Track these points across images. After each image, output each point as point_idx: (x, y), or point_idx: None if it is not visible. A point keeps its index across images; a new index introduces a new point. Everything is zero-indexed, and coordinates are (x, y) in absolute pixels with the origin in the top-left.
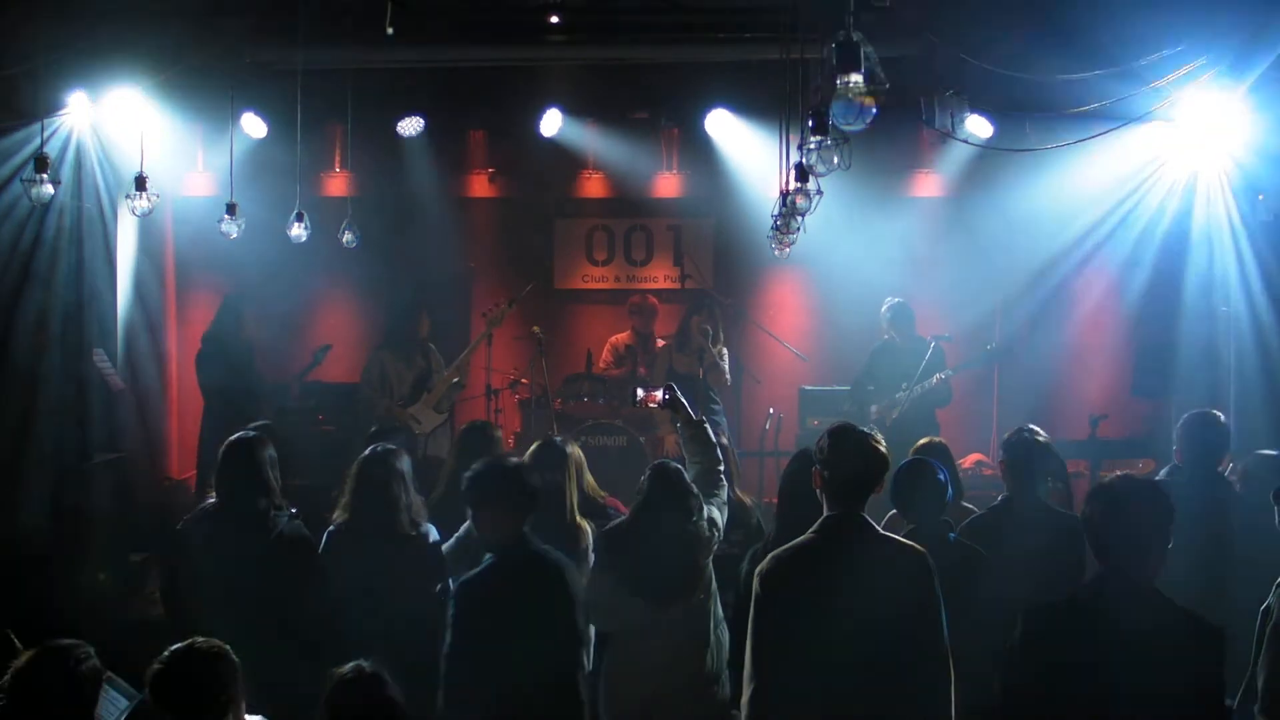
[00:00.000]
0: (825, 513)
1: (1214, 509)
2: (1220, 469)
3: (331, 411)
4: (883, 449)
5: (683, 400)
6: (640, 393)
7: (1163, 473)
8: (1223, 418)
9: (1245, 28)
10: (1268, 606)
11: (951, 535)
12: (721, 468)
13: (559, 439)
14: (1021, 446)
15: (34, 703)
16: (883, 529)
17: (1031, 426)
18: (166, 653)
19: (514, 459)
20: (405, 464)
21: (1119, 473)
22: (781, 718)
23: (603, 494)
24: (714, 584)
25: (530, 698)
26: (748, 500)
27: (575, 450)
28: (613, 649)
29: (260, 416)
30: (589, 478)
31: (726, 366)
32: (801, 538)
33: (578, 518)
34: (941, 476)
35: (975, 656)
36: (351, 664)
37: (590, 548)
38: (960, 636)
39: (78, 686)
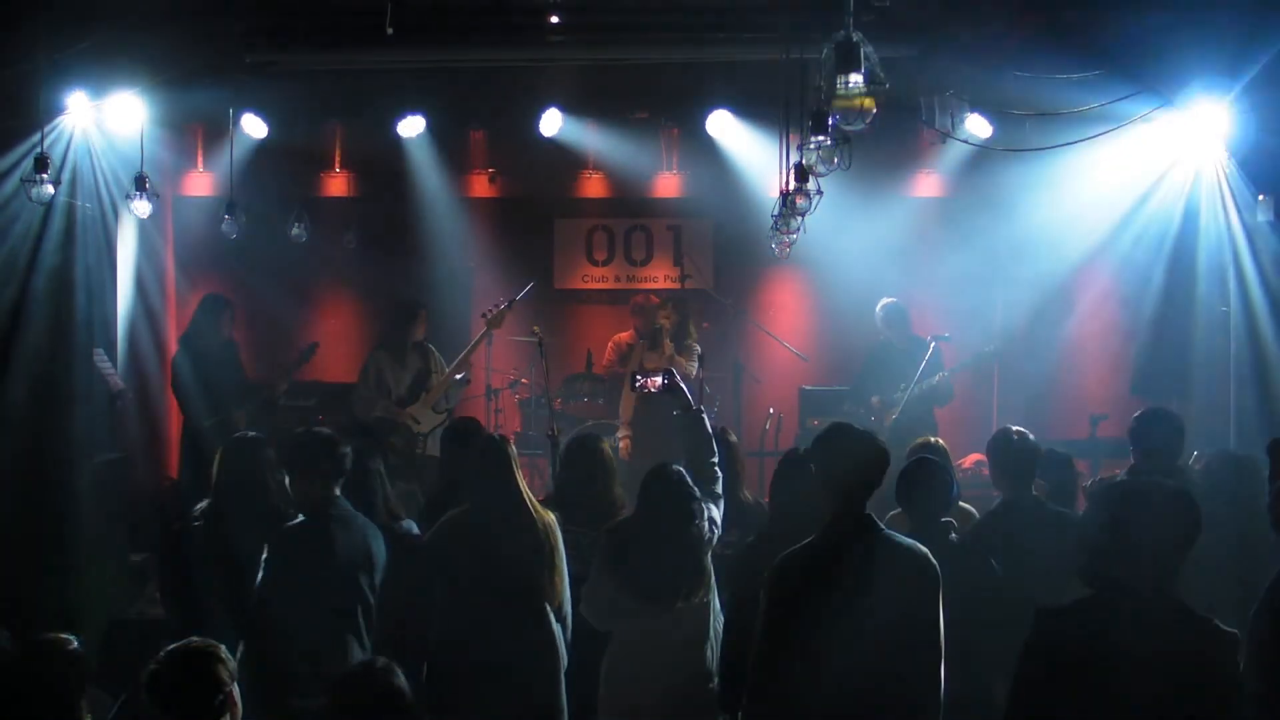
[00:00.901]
0: (831, 513)
1: None
2: (1189, 463)
3: (329, 412)
4: (882, 445)
5: (682, 386)
6: (640, 379)
7: (1121, 475)
8: (1176, 413)
9: (1241, 26)
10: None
11: (953, 536)
12: (715, 459)
13: (498, 435)
14: (1002, 449)
15: (21, 694)
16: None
17: (1014, 427)
18: (162, 653)
19: (327, 430)
20: (378, 460)
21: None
22: (783, 715)
23: (623, 503)
24: (714, 580)
25: (311, 642)
26: (749, 498)
27: (604, 448)
28: (613, 648)
29: (234, 419)
30: (615, 484)
31: (694, 363)
32: (810, 538)
33: (537, 510)
34: (948, 476)
35: (976, 658)
36: (360, 660)
37: (559, 542)
38: (961, 638)
39: (63, 678)
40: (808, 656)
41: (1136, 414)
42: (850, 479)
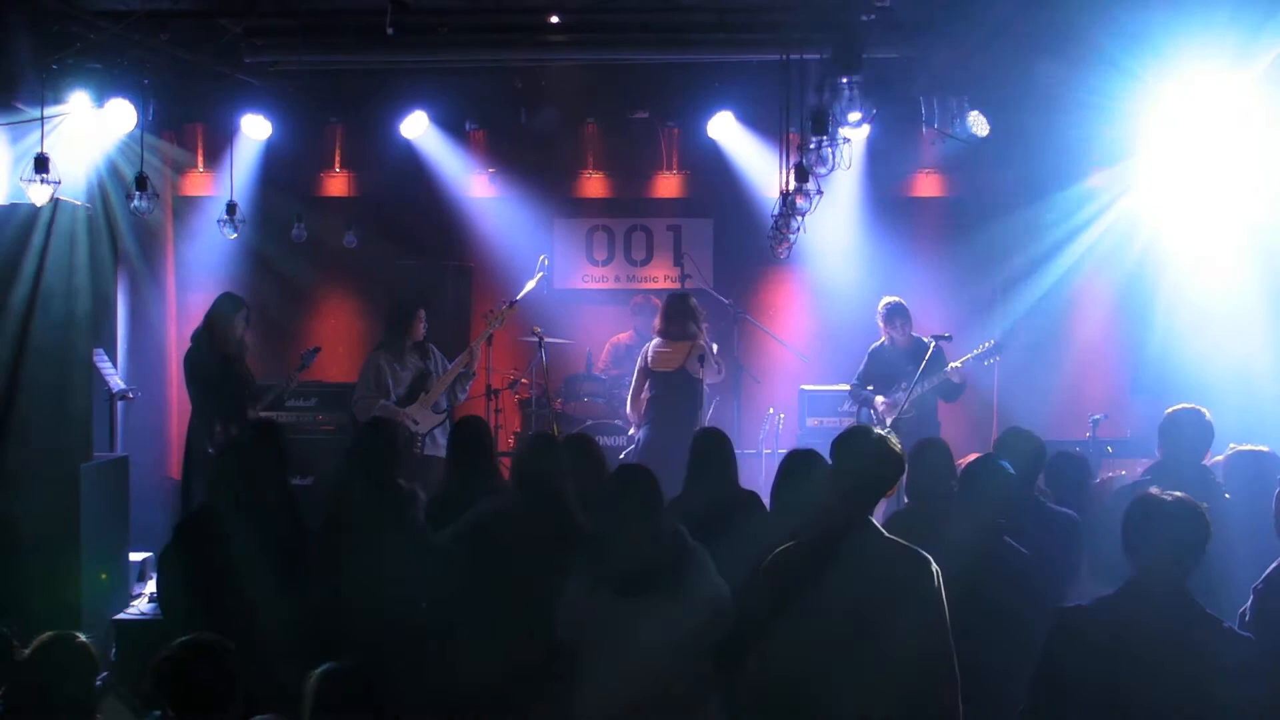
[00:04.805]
0: (833, 512)
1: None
2: (1205, 463)
3: (330, 412)
4: (899, 452)
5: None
6: None
7: (1140, 470)
8: (1207, 414)
9: (1243, 25)
10: (1243, 611)
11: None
12: None
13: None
14: (1008, 446)
15: (35, 694)
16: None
17: (1021, 426)
18: (174, 645)
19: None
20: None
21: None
22: (779, 715)
23: None
24: (705, 581)
25: None
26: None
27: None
28: (588, 653)
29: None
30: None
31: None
32: (807, 536)
33: (577, 512)
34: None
35: (975, 658)
36: (331, 663)
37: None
38: (964, 638)
39: (77, 676)
40: (801, 655)
41: (1167, 411)
42: (861, 482)
